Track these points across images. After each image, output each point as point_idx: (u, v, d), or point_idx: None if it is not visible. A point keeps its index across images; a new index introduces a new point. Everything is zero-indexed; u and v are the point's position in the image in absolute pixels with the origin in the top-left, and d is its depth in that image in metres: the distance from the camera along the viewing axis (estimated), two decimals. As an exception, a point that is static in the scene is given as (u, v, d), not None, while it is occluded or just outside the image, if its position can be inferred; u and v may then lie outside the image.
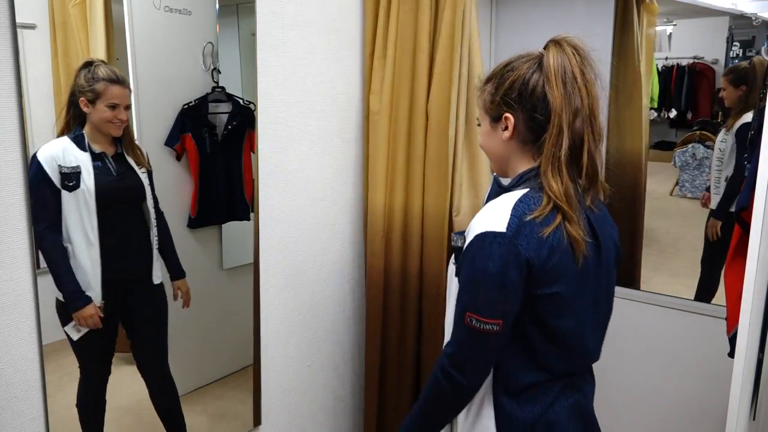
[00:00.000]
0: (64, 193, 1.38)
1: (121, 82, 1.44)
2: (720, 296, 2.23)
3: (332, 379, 2.14)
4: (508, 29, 2.67)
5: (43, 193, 1.34)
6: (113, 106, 1.43)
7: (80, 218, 1.41)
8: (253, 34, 1.69)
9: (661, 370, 2.30)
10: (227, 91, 1.69)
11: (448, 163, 1.93)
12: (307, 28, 1.84)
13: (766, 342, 1.58)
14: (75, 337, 1.41)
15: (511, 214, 1.05)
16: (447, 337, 1.20)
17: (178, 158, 1.63)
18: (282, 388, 1.95)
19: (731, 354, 1.53)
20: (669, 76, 2.57)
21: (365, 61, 2.04)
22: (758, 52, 2.28)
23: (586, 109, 1.08)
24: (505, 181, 1.18)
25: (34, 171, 1.32)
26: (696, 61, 2.48)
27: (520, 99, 1.12)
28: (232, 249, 1.79)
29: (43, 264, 1.35)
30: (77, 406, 1.44)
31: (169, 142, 1.60)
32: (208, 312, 1.75)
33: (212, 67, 1.65)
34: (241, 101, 1.73)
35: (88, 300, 1.42)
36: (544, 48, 1.13)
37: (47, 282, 1.35)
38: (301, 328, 1.98)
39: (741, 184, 1.72)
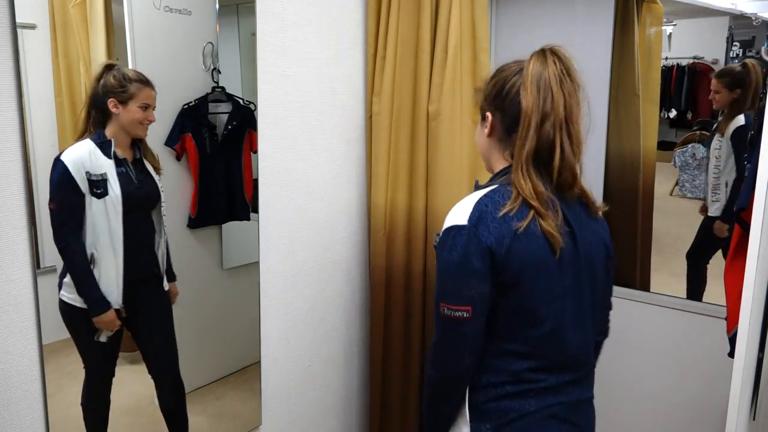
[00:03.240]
0: (93, 200, 1.39)
1: (150, 83, 1.47)
2: (719, 296, 2.23)
3: (333, 379, 2.14)
4: (508, 29, 2.67)
5: (69, 198, 1.35)
6: (145, 107, 1.46)
7: (108, 225, 1.42)
8: (253, 34, 1.69)
9: (661, 369, 2.30)
10: (227, 91, 1.69)
11: (453, 162, 1.93)
12: (307, 28, 1.84)
13: (766, 342, 1.58)
14: (104, 340, 1.44)
15: (473, 208, 1.12)
16: None
17: (178, 158, 1.63)
18: (282, 388, 1.95)
19: (731, 354, 1.53)
20: (669, 76, 2.57)
21: (368, 61, 2.04)
22: (758, 52, 2.28)
23: (559, 114, 1.10)
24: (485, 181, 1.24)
25: (59, 174, 1.33)
26: (696, 61, 2.48)
27: (498, 100, 1.19)
28: (233, 249, 1.79)
29: (43, 264, 1.35)
30: (82, 405, 1.44)
31: (169, 142, 1.60)
32: (208, 312, 1.75)
33: (212, 67, 1.65)
34: (241, 101, 1.73)
35: (109, 305, 1.44)
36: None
37: (47, 282, 1.35)
38: (301, 328, 1.98)
39: None
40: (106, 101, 1.40)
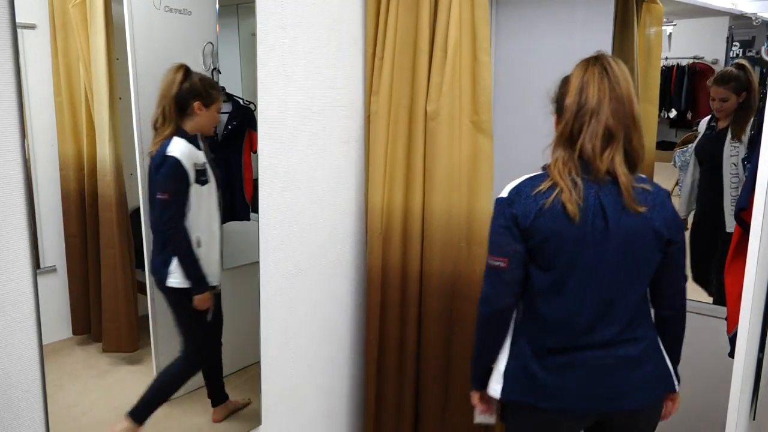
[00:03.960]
0: (196, 187, 1.56)
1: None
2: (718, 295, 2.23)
3: (333, 379, 2.14)
4: (508, 29, 2.67)
5: (180, 188, 1.53)
6: (218, 111, 1.62)
7: (208, 209, 1.60)
8: (253, 34, 1.69)
9: (661, 370, 2.29)
10: (227, 91, 1.69)
11: (451, 163, 1.93)
12: (307, 28, 1.84)
13: (766, 342, 1.58)
14: (210, 318, 1.66)
15: (516, 186, 1.43)
16: None
17: (178, 158, 1.63)
18: (282, 388, 1.95)
19: (731, 354, 1.53)
20: (669, 76, 2.57)
21: (367, 61, 2.04)
22: (758, 52, 2.28)
23: (590, 106, 1.36)
24: None
25: (172, 167, 1.50)
26: (696, 61, 2.48)
27: (557, 104, 1.47)
28: (233, 249, 1.79)
29: (43, 264, 1.35)
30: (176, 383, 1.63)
31: (169, 142, 1.60)
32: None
33: (212, 67, 1.65)
34: (241, 101, 1.73)
35: (208, 285, 1.62)
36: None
37: (47, 282, 1.35)
38: (301, 328, 1.98)
39: None
40: (191, 102, 1.54)
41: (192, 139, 1.56)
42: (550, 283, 1.41)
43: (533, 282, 1.43)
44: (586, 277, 1.39)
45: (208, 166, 1.60)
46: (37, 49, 1.29)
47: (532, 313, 1.45)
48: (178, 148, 1.52)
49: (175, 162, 1.50)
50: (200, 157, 1.57)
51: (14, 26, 1.22)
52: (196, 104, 1.54)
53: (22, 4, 1.23)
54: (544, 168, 1.44)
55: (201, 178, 1.56)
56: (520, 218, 1.39)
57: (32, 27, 1.28)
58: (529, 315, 1.46)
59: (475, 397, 1.57)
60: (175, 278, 1.58)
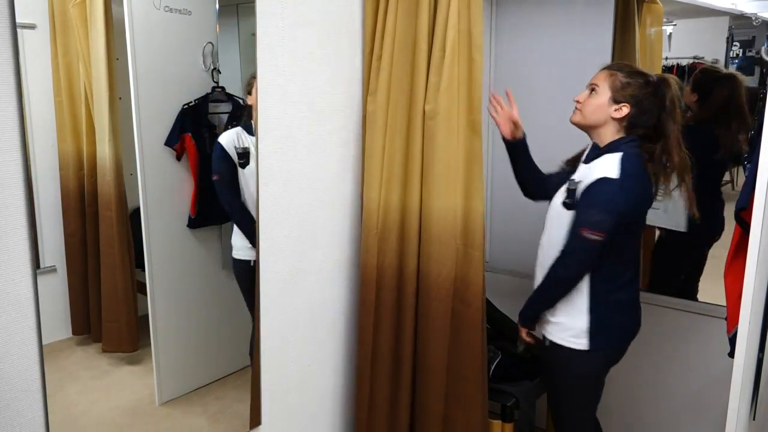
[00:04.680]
0: (239, 169, 1.75)
1: None
2: (719, 296, 2.24)
3: (333, 379, 2.14)
4: (508, 30, 2.68)
5: (226, 168, 1.73)
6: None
7: (248, 189, 1.75)
8: (253, 34, 1.69)
9: (661, 369, 2.30)
10: (227, 91, 1.69)
11: (448, 162, 1.93)
12: (307, 28, 1.84)
13: (766, 342, 1.59)
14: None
15: (620, 168, 1.71)
16: (552, 251, 1.85)
17: (178, 158, 1.63)
18: (282, 388, 1.95)
19: (731, 354, 1.53)
20: (669, 76, 2.57)
21: (365, 60, 2.04)
22: (758, 52, 2.28)
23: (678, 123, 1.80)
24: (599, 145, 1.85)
25: (218, 151, 1.72)
26: (696, 61, 2.48)
27: (642, 103, 1.78)
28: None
29: (43, 264, 1.35)
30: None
31: (169, 142, 1.60)
32: (208, 312, 1.75)
33: (212, 67, 1.65)
34: (241, 101, 1.73)
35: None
36: (660, 79, 1.81)
37: (47, 282, 1.35)
38: (301, 328, 1.98)
39: None
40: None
41: (247, 127, 1.73)
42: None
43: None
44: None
45: (251, 151, 1.74)
46: (37, 49, 1.29)
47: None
48: (226, 135, 1.72)
49: (219, 147, 1.72)
50: (245, 142, 1.74)
51: (14, 26, 1.22)
52: (249, 98, 1.71)
53: (22, 4, 1.22)
54: (617, 147, 1.82)
55: (241, 161, 1.73)
56: (626, 197, 1.76)
57: (32, 27, 1.28)
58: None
59: (524, 332, 1.98)
60: (238, 251, 1.77)
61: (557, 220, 1.84)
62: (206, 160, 1.68)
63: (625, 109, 1.77)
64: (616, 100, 1.78)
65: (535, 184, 2.07)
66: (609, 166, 1.72)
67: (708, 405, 2.37)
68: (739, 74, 2.32)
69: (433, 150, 1.96)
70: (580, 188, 1.78)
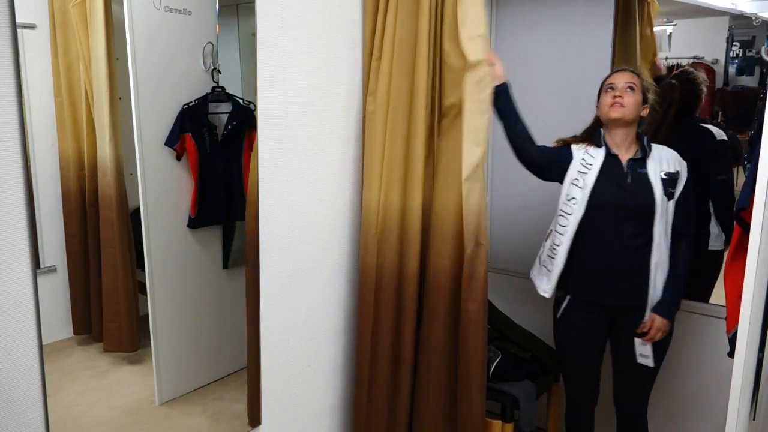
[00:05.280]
0: None
1: None
2: (719, 296, 2.23)
3: (332, 379, 2.14)
4: (508, 29, 2.68)
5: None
6: None
7: None
8: (253, 34, 1.69)
9: (661, 369, 2.29)
10: (227, 91, 1.69)
11: (448, 162, 1.93)
12: (307, 28, 1.84)
13: (766, 342, 1.59)
14: None
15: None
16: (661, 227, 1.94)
17: (178, 158, 1.63)
18: (282, 388, 1.95)
19: (731, 354, 1.53)
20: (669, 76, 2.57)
21: (365, 60, 2.04)
22: (758, 52, 2.28)
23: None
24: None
25: None
26: (696, 61, 2.48)
27: (653, 108, 2.02)
28: (233, 249, 1.79)
29: (43, 264, 1.35)
30: None
31: (169, 142, 1.60)
32: (208, 312, 1.75)
33: (212, 67, 1.65)
34: (241, 101, 1.73)
35: None
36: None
37: (47, 282, 1.35)
38: (301, 328, 1.98)
39: None
40: None
41: None
42: None
43: None
44: None
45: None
46: (37, 49, 1.29)
47: None
48: None
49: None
50: None
51: (14, 26, 1.22)
52: None
53: (22, 4, 1.23)
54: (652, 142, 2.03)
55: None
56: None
57: (32, 27, 1.28)
58: None
59: (667, 325, 2.04)
60: None
61: (664, 208, 1.96)
62: (206, 160, 1.68)
63: (646, 110, 2.00)
64: (645, 101, 1.98)
65: (527, 142, 2.05)
66: (676, 155, 1.99)
67: (708, 405, 2.37)
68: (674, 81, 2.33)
69: (433, 150, 1.96)
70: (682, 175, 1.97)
